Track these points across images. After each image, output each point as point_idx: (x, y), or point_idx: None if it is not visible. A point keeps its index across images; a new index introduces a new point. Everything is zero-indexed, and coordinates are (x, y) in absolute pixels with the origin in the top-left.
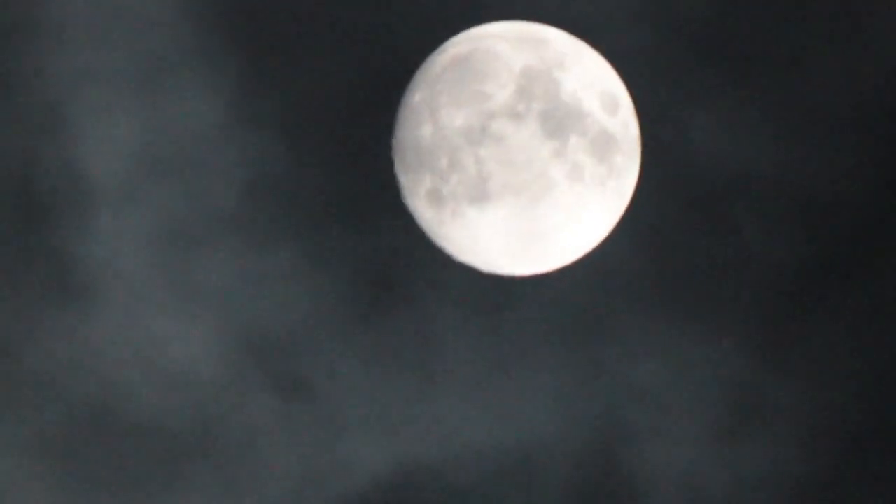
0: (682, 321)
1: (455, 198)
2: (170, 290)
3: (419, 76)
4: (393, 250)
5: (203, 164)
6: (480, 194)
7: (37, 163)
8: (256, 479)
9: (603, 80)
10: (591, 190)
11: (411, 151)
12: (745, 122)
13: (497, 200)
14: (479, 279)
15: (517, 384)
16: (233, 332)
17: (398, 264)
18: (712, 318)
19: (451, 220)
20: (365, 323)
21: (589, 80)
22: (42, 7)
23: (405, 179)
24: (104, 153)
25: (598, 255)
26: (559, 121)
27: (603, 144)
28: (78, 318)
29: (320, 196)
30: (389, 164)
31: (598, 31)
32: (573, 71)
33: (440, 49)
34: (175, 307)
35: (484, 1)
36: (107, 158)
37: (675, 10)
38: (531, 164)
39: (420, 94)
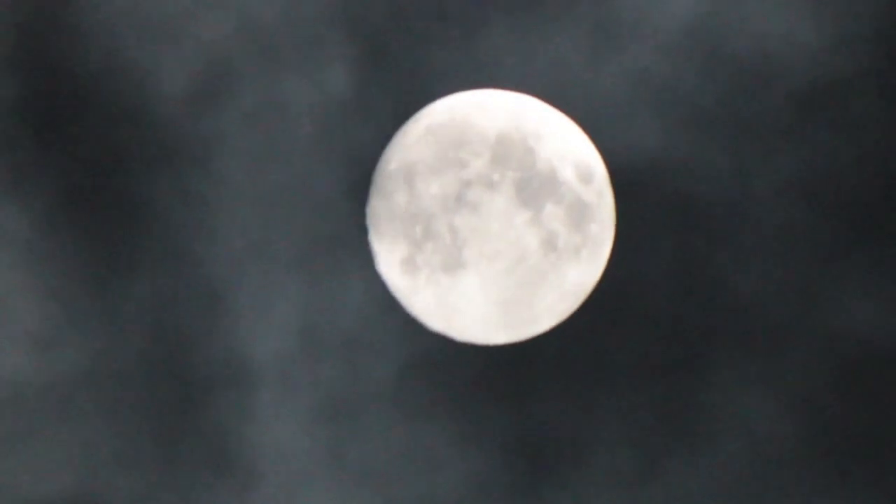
0: (842, 495)
1: (429, 266)
2: (327, 467)
3: (395, 144)
4: (544, 425)
5: (361, 342)
6: (455, 262)
7: (198, 342)
8: None
9: (578, 150)
10: (565, 258)
11: (386, 219)
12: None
13: (472, 268)
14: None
15: None
16: None
17: (550, 439)
18: (872, 492)
19: (426, 289)
20: (518, 498)
21: (564, 149)
22: (202, 190)
23: (380, 247)
24: (263, 332)
25: (756, 424)
26: (534, 190)
27: (577, 213)
28: (236, 496)
29: (474, 372)
30: None
31: (753, 207)
32: (548, 140)
33: (416, 117)
34: (332, 484)
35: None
36: (266, 338)
37: (824, 187)
38: (506, 233)
39: (395, 162)
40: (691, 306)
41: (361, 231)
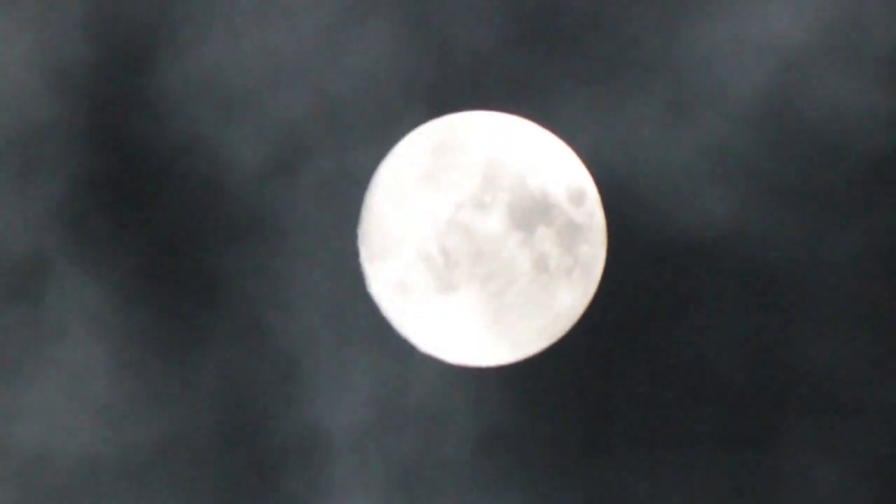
0: None
1: (421, 288)
2: None
3: (386, 165)
4: (616, 493)
5: (435, 415)
6: (446, 284)
7: (272, 415)
8: None
9: (569, 172)
10: (557, 280)
11: (378, 241)
12: None
13: (463, 290)
14: None
15: None
16: None
17: None
18: None
19: (417, 310)
20: None
21: (555, 171)
22: (276, 262)
23: (372, 269)
24: (338, 405)
25: (829, 494)
26: (526, 211)
27: (569, 235)
28: None
29: (546, 441)
30: None
31: (827, 277)
32: (540, 162)
33: (408, 138)
34: None
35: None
36: (341, 410)
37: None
38: (498, 255)
39: (387, 183)
40: (764, 376)
41: None
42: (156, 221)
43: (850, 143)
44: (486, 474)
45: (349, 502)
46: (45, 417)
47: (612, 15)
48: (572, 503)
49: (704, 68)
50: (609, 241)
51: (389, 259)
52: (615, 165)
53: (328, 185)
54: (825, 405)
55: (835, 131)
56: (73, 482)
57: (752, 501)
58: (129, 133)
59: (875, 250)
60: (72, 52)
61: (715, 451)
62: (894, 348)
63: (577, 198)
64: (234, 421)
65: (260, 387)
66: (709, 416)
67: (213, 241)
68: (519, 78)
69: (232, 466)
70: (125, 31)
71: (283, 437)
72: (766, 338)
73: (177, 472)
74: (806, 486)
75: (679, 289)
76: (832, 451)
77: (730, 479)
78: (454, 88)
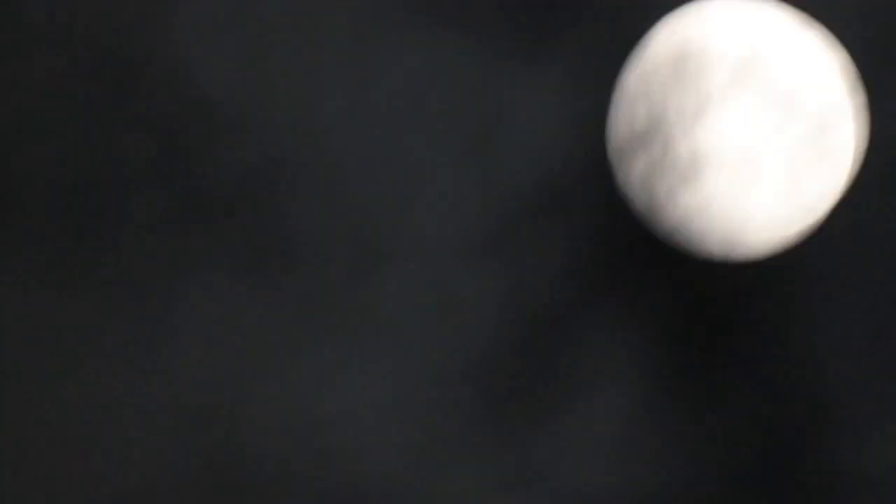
0: None
1: (665, 179)
2: None
3: (634, 59)
4: None
5: None
6: (691, 176)
7: None
8: None
9: (818, 60)
10: (802, 168)
11: (624, 135)
12: None
13: (708, 181)
14: None
15: None
16: None
17: None
18: None
19: (665, 203)
20: None
21: (804, 62)
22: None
23: (618, 163)
24: None
25: None
26: (774, 109)
27: (820, 127)
28: None
29: None
30: None
31: None
32: (788, 55)
33: (654, 31)
34: None
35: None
36: None
37: None
38: (744, 148)
39: (634, 77)
40: None
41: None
42: None
43: None
44: None
45: None
46: None
47: None
48: None
49: None
50: None
51: (636, 152)
52: None
53: None
54: None
55: None
56: None
57: None
58: None
59: None
60: None
61: None
62: None
63: (827, 86)
64: None
65: None
66: None
67: None
68: None
69: None
70: None
71: None
72: None
73: None
74: None
75: None
76: None
77: None
78: None
